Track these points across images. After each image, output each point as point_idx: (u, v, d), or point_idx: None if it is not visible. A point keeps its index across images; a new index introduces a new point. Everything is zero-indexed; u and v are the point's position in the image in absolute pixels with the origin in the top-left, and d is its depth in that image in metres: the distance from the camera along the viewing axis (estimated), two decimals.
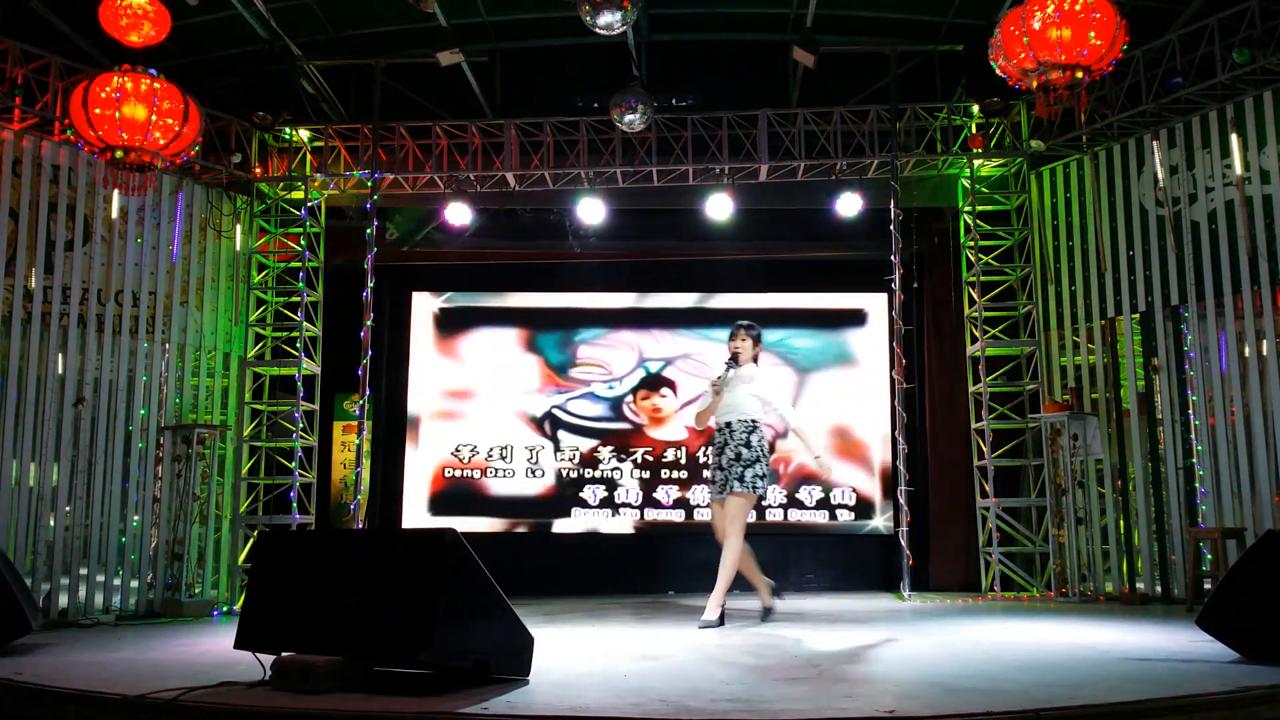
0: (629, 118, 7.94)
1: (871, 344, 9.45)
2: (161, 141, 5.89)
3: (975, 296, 8.46)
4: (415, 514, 9.39)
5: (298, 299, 8.62)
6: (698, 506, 9.20)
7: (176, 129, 5.92)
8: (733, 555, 5.47)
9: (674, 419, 9.39)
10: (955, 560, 8.78)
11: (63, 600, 7.05)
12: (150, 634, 5.99)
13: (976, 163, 8.53)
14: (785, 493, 9.26)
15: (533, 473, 9.41)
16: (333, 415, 9.62)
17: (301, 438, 8.51)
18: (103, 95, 5.72)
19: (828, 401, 9.40)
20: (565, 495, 9.34)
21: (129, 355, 7.67)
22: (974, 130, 8.50)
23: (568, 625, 5.83)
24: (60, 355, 7.25)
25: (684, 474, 9.27)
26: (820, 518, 9.22)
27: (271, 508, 8.52)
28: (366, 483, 8.96)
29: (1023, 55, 5.25)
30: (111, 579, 7.40)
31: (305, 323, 8.58)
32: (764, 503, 9.23)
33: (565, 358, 9.50)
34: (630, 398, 9.43)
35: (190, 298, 8.16)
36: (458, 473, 9.44)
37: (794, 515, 9.22)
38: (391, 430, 9.50)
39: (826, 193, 8.56)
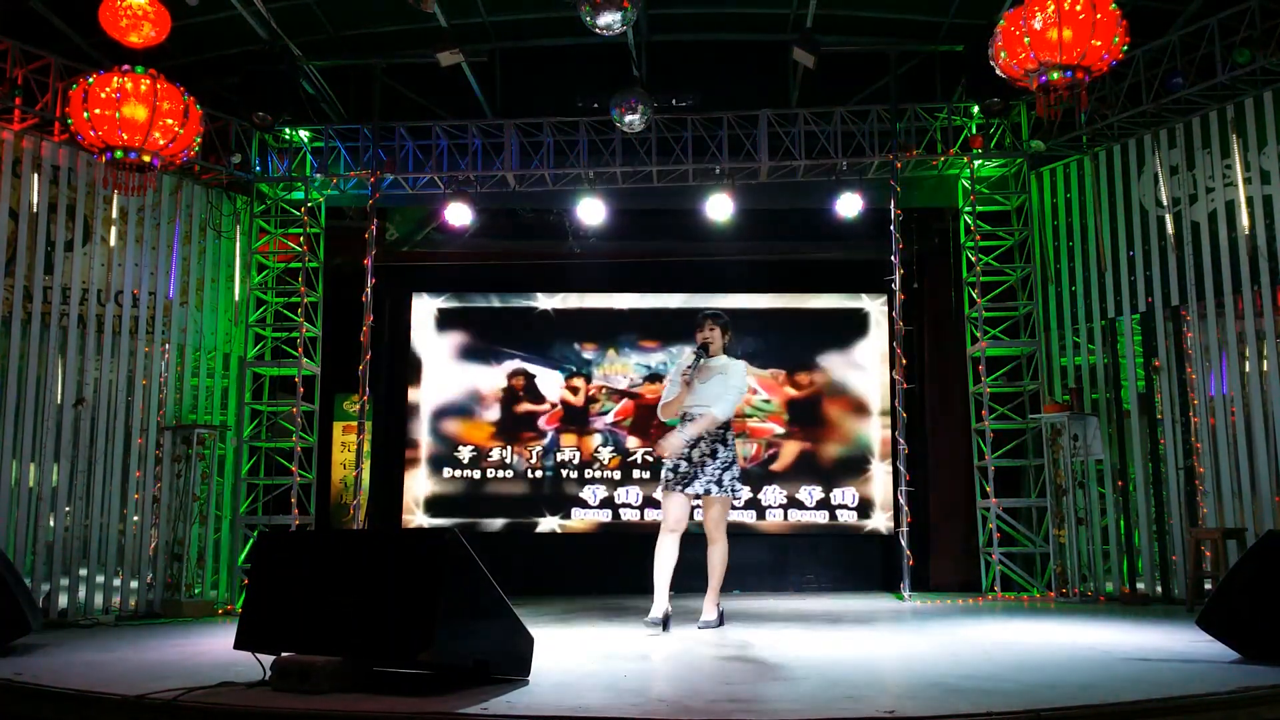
0: (629, 118, 7.95)
1: (871, 344, 9.46)
2: (161, 142, 5.89)
3: (975, 296, 8.46)
4: (415, 514, 9.39)
5: (298, 299, 8.62)
6: (697, 507, 9.17)
7: (176, 129, 5.92)
8: (723, 554, 5.44)
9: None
10: (955, 560, 8.78)
11: (63, 600, 7.05)
12: (150, 634, 5.99)
13: (976, 163, 8.53)
14: (785, 493, 9.26)
15: (533, 473, 9.41)
16: (333, 415, 9.63)
17: (301, 438, 8.51)
18: (103, 95, 5.72)
19: (828, 401, 9.41)
20: (566, 495, 9.34)
21: (129, 355, 7.67)
22: (974, 130, 8.50)
23: (568, 625, 5.83)
24: (60, 355, 7.25)
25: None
26: (820, 518, 9.22)
27: (271, 508, 8.52)
28: (366, 483, 8.96)
29: (1023, 55, 5.25)
30: (111, 579, 7.40)
31: (305, 323, 8.57)
32: (764, 503, 9.24)
33: (565, 358, 9.50)
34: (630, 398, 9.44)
35: (190, 298, 8.16)
36: (458, 473, 9.44)
37: (794, 515, 9.22)
38: (391, 430, 9.50)
39: (826, 193, 8.55)
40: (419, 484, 9.46)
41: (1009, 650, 4.47)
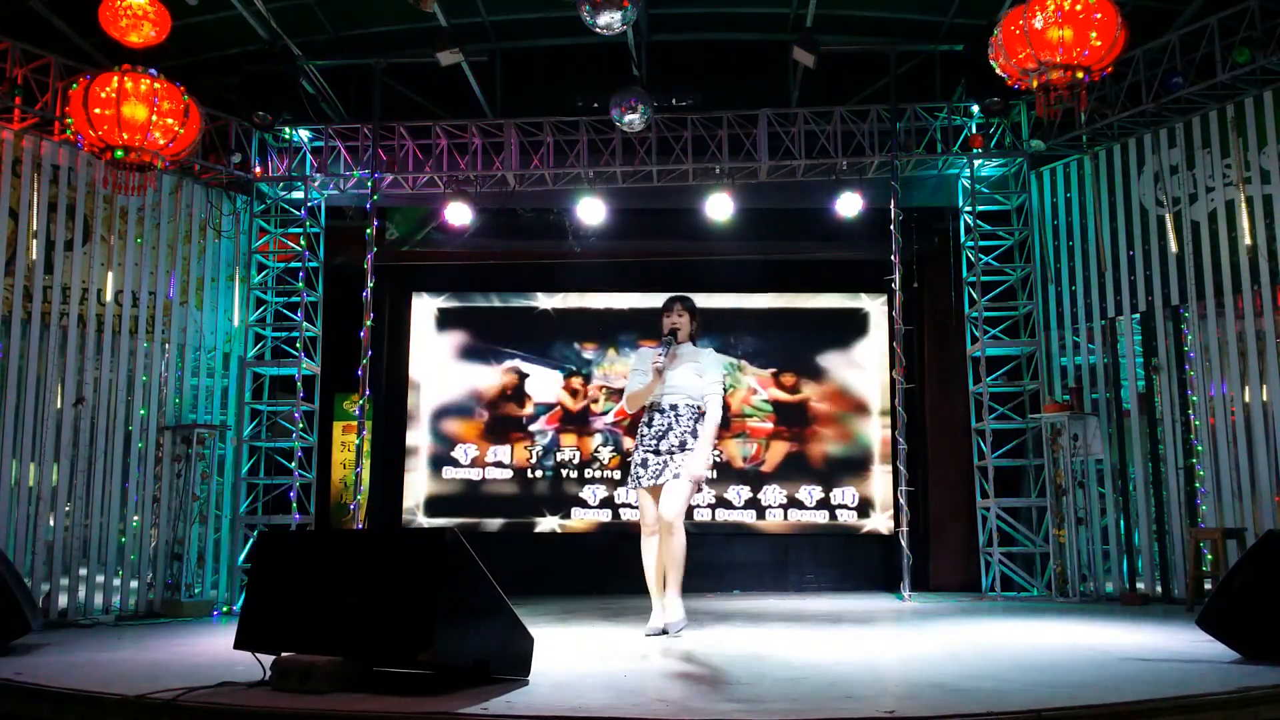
0: (629, 118, 7.95)
1: (871, 344, 9.46)
2: (161, 141, 5.89)
3: (975, 296, 8.46)
4: (415, 514, 9.40)
5: (298, 299, 8.62)
6: (697, 507, 9.20)
7: (176, 129, 5.92)
8: (682, 544, 4.90)
9: None
10: (955, 560, 8.78)
11: (63, 600, 7.05)
12: (150, 634, 5.99)
13: (976, 163, 8.53)
14: (785, 493, 9.26)
15: (532, 472, 9.41)
16: (333, 415, 9.63)
17: (301, 438, 8.51)
18: (103, 95, 5.72)
19: (827, 401, 9.41)
20: (565, 495, 9.35)
21: (129, 355, 7.67)
22: (974, 130, 8.50)
23: (568, 625, 5.83)
24: (60, 355, 7.25)
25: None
26: (820, 518, 9.22)
27: (271, 508, 8.51)
28: (366, 483, 8.96)
29: (1023, 55, 5.25)
30: (111, 579, 7.40)
31: (305, 323, 8.57)
32: (764, 503, 9.24)
33: (565, 357, 9.51)
34: None
35: (190, 298, 8.16)
36: (457, 473, 9.45)
37: (794, 515, 9.22)
38: (391, 430, 9.50)
39: (826, 193, 8.56)
40: (419, 484, 9.46)
41: (1009, 650, 4.47)
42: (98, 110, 5.72)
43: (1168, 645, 4.51)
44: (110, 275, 7.58)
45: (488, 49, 8.79)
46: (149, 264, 7.86)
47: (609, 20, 6.27)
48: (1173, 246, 7.56)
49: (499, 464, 9.44)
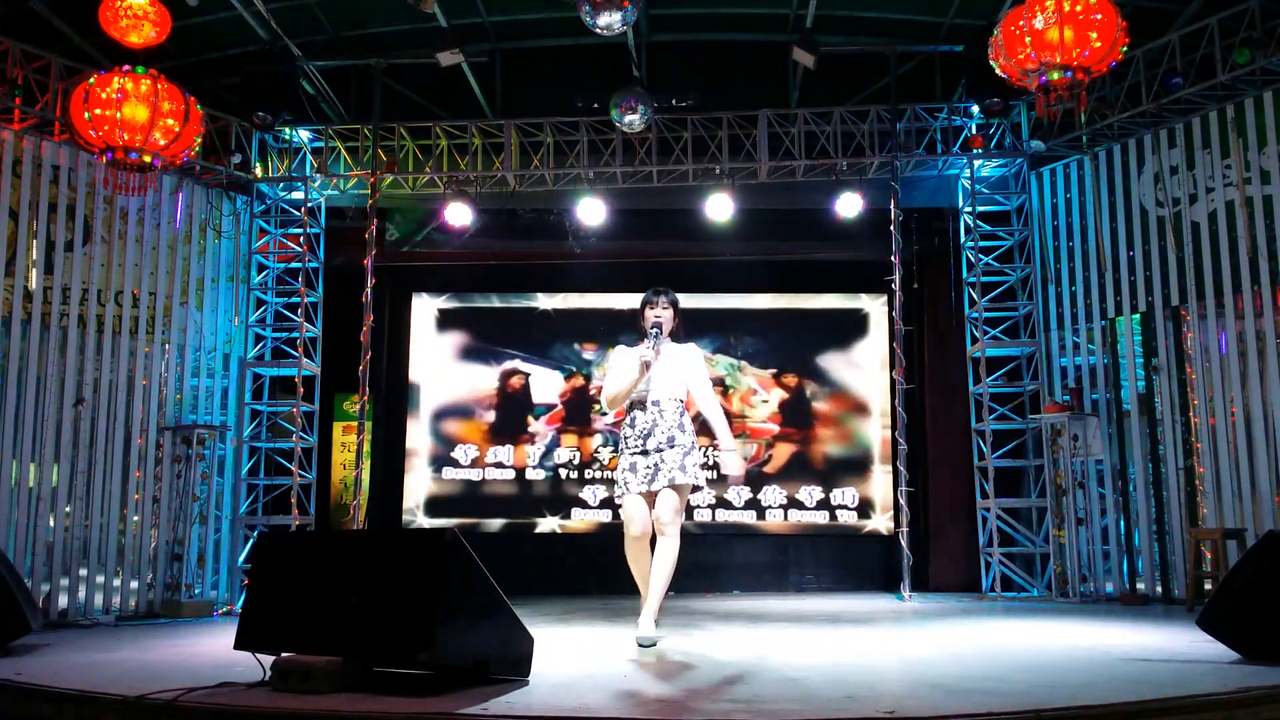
0: (629, 118, 7.95)
1: (871, 344, 9.46)
2: (162, 142, 5.89)
3: (975, 296, 8.46)
4: (415, 514, 9.40)
5: (298, 299, 8.62)
6: (698, 507, 9.20)
7: (177, 129, 5.92)
8: (675, 552, 4.61)
9: None
10: (955, 560, 8.78)
11: (63, 600, 7.05)
12: (150, 634, 5.99)
13: (976, 163, 8.53)
14: (785, 493, 9.26)
15: (532, 473, 9.41)
16: (333, 415, 9.63)
17: (301, 438, 8.51)
18: (103, 96, 5.73)
19: (827, 401, 9.42)
20: (565, 495, 9.35)
21: (129, 355, 7.67)
22: (974, 131, 8.50)
23: (567, 625, 5.82)
24: (60, 355, 7.25)
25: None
26: (820, 518, 9.22)
27: (271, 508, 8.52)
28: (366, 483, 8.96)
29: (1023, 55, 5.25)
30: (111, 579, 7.40)
31: (305, 323, 8.57)
32: (764, 503, 9.24)
33: (565, 358, 9.51)
34: None
35: (190, 298, 8.16)
36: (458, 473, 9.45)
37: (794, 515, 9.22)
38: (391, 430, 9.50)
39: (826, 193, 8.56)
40: (419, 484, 9.46)
41: (1009, 650, 4.47)
42: (98, 111, 5.72)
43: (1168, 645, 4.51)
44: (110, 275, 7.58)
45: (488, 49, 8.80)
46: (149, 264, 7.86)
47: (609, 21, 6.27)
48: (1172, 249, 7.56)
49: (499, 464, 9.44)
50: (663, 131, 8.50)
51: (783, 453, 9.35)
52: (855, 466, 9.32)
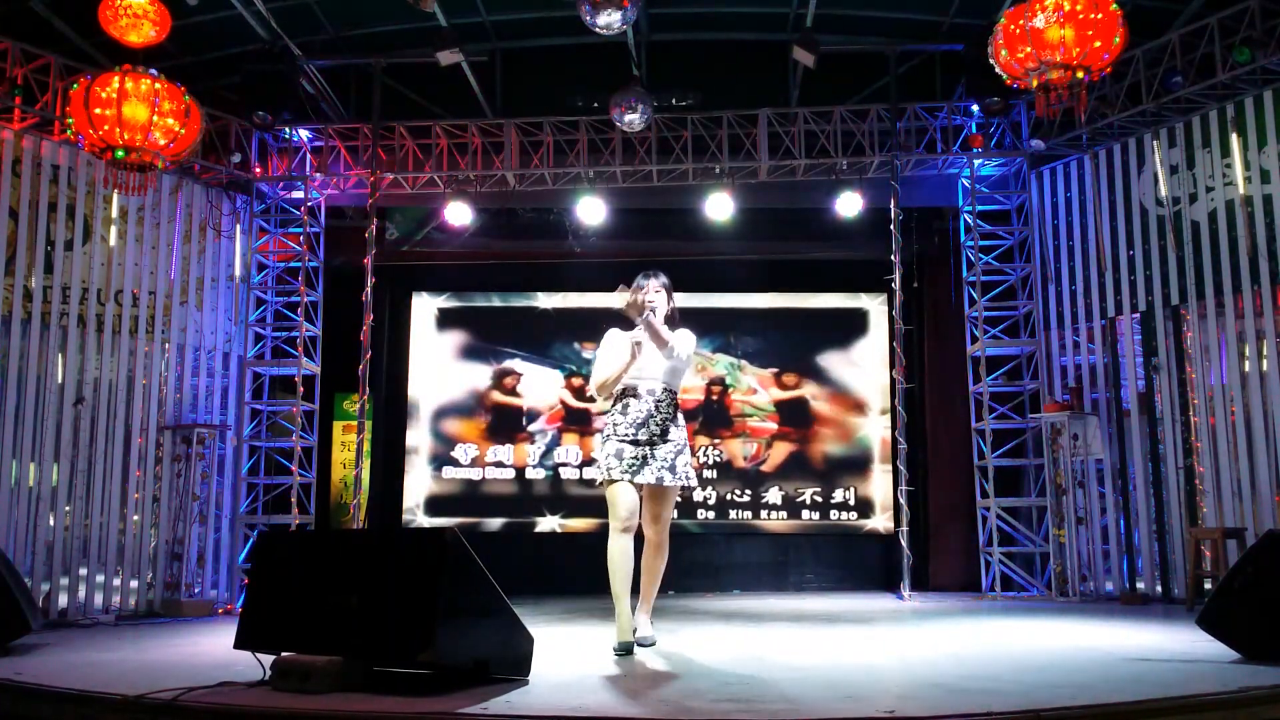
0: (629, 118, 7.95)
1: (871, 344, 9.46)
2: (162, 142, 5.89)
3: (975, 296, 8.46)
4: (415, 514, 9.40)
5: (298, 299, 8.62)
6: (700, 506, 9.20)
7: (177, 129, 5.92)
8: (665, 557, 4.51)
9: None
10: (955, 560, 8.78)
11: (63, 600, 7.05)
12: (150, 634, 5.99)
13: (976, 162, 8.53)
14: (785, 493, 9.26)
15: (532, 472, 9.41)
16: (333, 415, 9.63)
17: (301, 437, 8.51)
18: (103, 95, 5.73)
19: (827, 401, 9.41)
20: (565, 495, 9.35)
21: (129, 355, 7.67)
22: (974, 130, 8.50)
23: (567, 625, 5.83)
24: (60, 355, 7.25)
25: (695, 484, 9.25)
26: (820, 518, 9.22)
27: (271, 508, 8.52)
28: (366, 483, 8.96)
29: (1023, 54, 5.25)
30: (111, 579, 7.40)
31: (305, 323, 8.58)
32: (764, 503, 9.24)
33: (565, 357, 9.50)
34: None
35: (190, 298, 8.16)
36: (458, 473, 9.45)
37: (794, 515, 9.22)
38: (391, 430, 9.50)
39: (826, 192, 8.56)
40: (419, 484, 9.46)
41: (1009, 650, 4.47)
42: (98, 110, 5.72)
43: (1168, 645, 4.51)
44: (110, 275, 7.58)
45: (488, 49, 8.79)
46: (149, 264, 7.86)
47: (609, 20, 6.27)
48: (1172, 248, 7.55)
49: (499, 464, 9.44)
50: (663, 131, 8.50)
51: (782, 452, 9.35)
52: (855, 466, 9.32)
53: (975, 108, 8.42)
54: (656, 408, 4.44)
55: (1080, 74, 5.22)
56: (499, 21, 8.52)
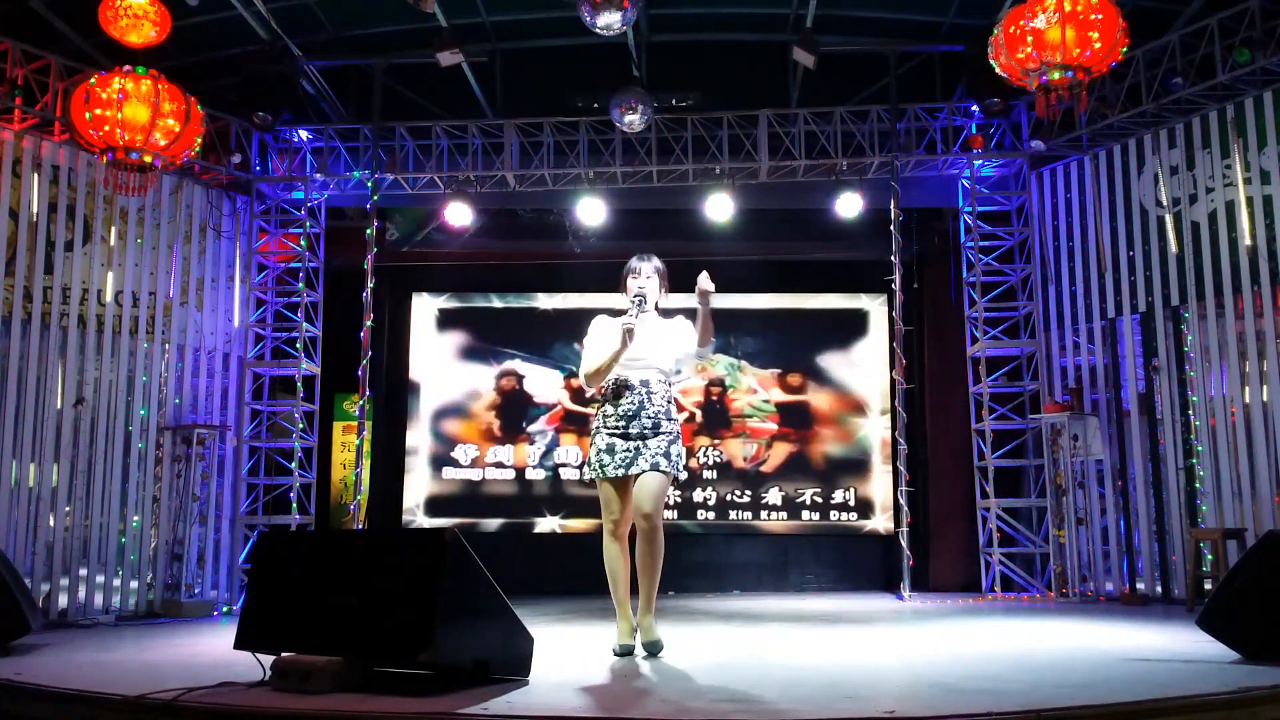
0: (629, 118, 7.95)
1: (871, 344, 9.46)
2: (162, 142, 5.89)
3: (975, 296, 8.46)
4: (415, 514, 9.40)
5: (298, 299, 8.62)
6: (700, 507, 9.20)
7: (177, 130, 5.92)
8: (662, 546, 4.21)
9: None
10: (955, 560, 8.78)
11: (63, 600, 7.05)
12: (150, 634, 5.99)
13: (976, 163, 8.53)
14: (785, 493, 9.26)
15: (532, 472, 9.41)
16: (333, 415, 9.63)
17: (301, 438, 8.51)
18: (103, 96, 5.73)
19: (827, 401, 9.41)
20: (565, 495, 9.35)
21: (129, 355, 7.67)
22: (974, 130, 8.50)
23: (567, 625, 5.83)
24: (60, 355, 7.25)
25: (684, 475, 9.27)
26: (820, 518, 9.22)
27: (271, 508, 8.52)
28: (366, 483, 8.96)
29: (1024, 54, 5.25)
30: (111, 579, 7.40)
31: (305, 323, 8.58)
32: (764, 503, 9.24)
33: (565, 357, 9.51)
34: None
35: (190, 298, 8.16)
36: (458, 473, 9.45)
37: (794, 515, 9.22)
38: (391, 430, 9.50)
39: (826, 193, 8.56)
40: (419, 484, 9.46)
41: (1009, 650, 4.47)
42: (99, 111, 5.72)
43: (1168, 645, 4.51)
44: (110, 275, 7.58)
45: (488, 49, 8.79)
46: (149, 264, 7.86)
47: (609, 21, 6.27)
48: (1173, 247, 7.55)
49: (499, 464, 9.44)
50: (663, 131, 8.50)
51: (782, 452, 9.35)
52: (855, 466, 9.32)
53: (975, 108, 8.42)
54: (649, 399, 4.25)
55: (1080, 75, 5.22)
56: (499, 21, 8.52)
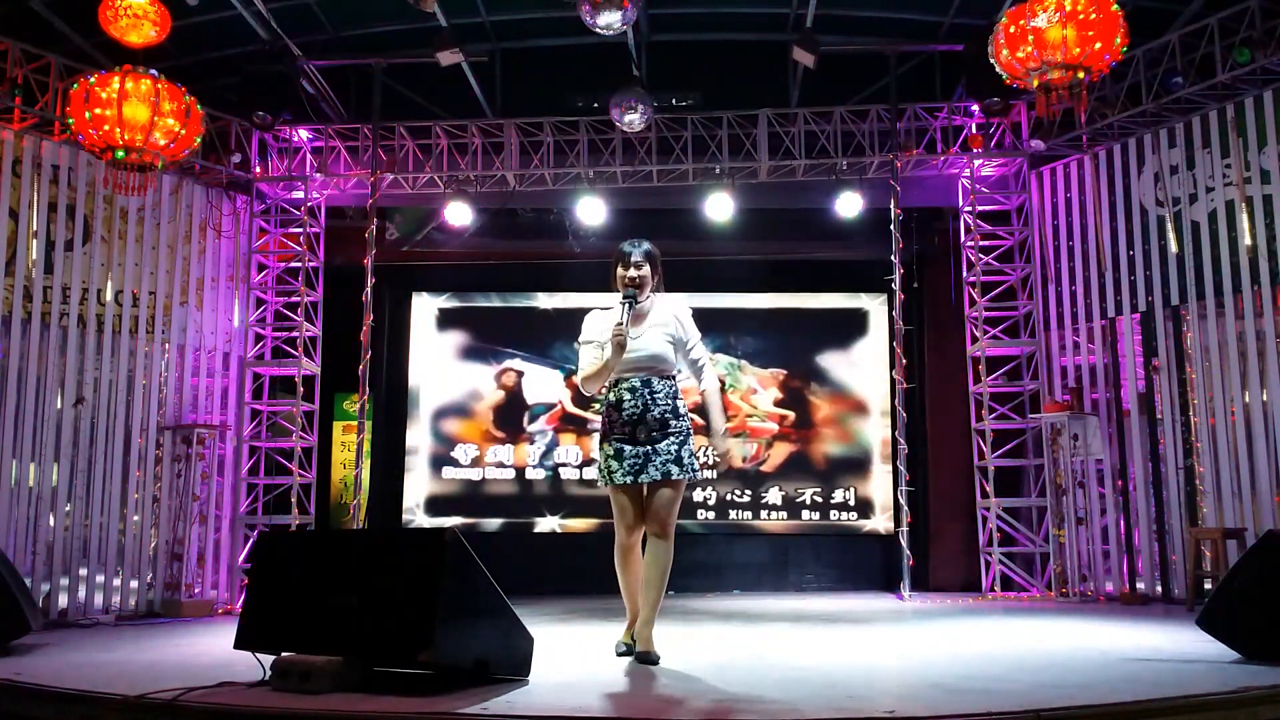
0: (629, 118, 7.95)
1: (871, 344, 9.46)
2: (162, 142, 5.89)
3: (975, 296, 8.46)
4: (415, 513, 9.39)
5: (298, 299, 8.62)
6: (700, 506, 9.20)
7: (177, 129, 5.92)
8: (670, 556, 4.03)
9: None
10: (955, 560, 8.79)
11: (63, 600, 7.05)
12: (150, 634, 5.99)
13: (976, 163, 8.53)
14: (785, 493, 9.26)
15: (532, 472, 9.41)
16: (333, 415, 9.63)
17: (301, 438, 8.51)
18: (104, 95, 5.72)
19: (827, 401, 9.41)
20: (565, 495, 9.35)
21: (129, 355, 7.67)
22: (974, 130, 8.50)
23: (567, 625, 5.83)
24: (60, 355, 7.25)
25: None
26: (820, 518, 9.22)
27: (271, 508, 8.52)
28: (366, 483, 8.96)
29: (1024, 54, 5.25)
30: (111, 579, 7.40)
31: (305, 323, 8.58)
32: (764, 503, 9.24)
33: (565, 357, 9.51)
34: None
35: (190, 298, 8.16)
36: (458, 473, 9.45)
37: (794, 515, 9.22)
38: (391, 430, 9.50)
39: (826, 192, 8.56)
40: (419, 484, 9.46)
41: (1009, 650, 4.47)
42: (99, 110, 5.72)
43: (1168, 645, 4.51)
44: (110, 275, 7.58)
45: (487, 49, 8.79)
46: (149, 264, 7.86)
47: (609, 21, 6.27)
48: (1173, 246, 7.55)
49: (499, 464, 9.44)
50: (663, 131, 8.50)
51: (782, 452, 9.35)
52: (855, 466, 9.32)
53: (975, 108, 8.42)
54: (653, 400, 4.07)
55: (1081, 74, 5.22)
56: (499, 21, 8.52)
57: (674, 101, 8.72)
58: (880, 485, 9.24)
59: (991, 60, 5.53)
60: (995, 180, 8.83)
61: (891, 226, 8.41)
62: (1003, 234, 8.70)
